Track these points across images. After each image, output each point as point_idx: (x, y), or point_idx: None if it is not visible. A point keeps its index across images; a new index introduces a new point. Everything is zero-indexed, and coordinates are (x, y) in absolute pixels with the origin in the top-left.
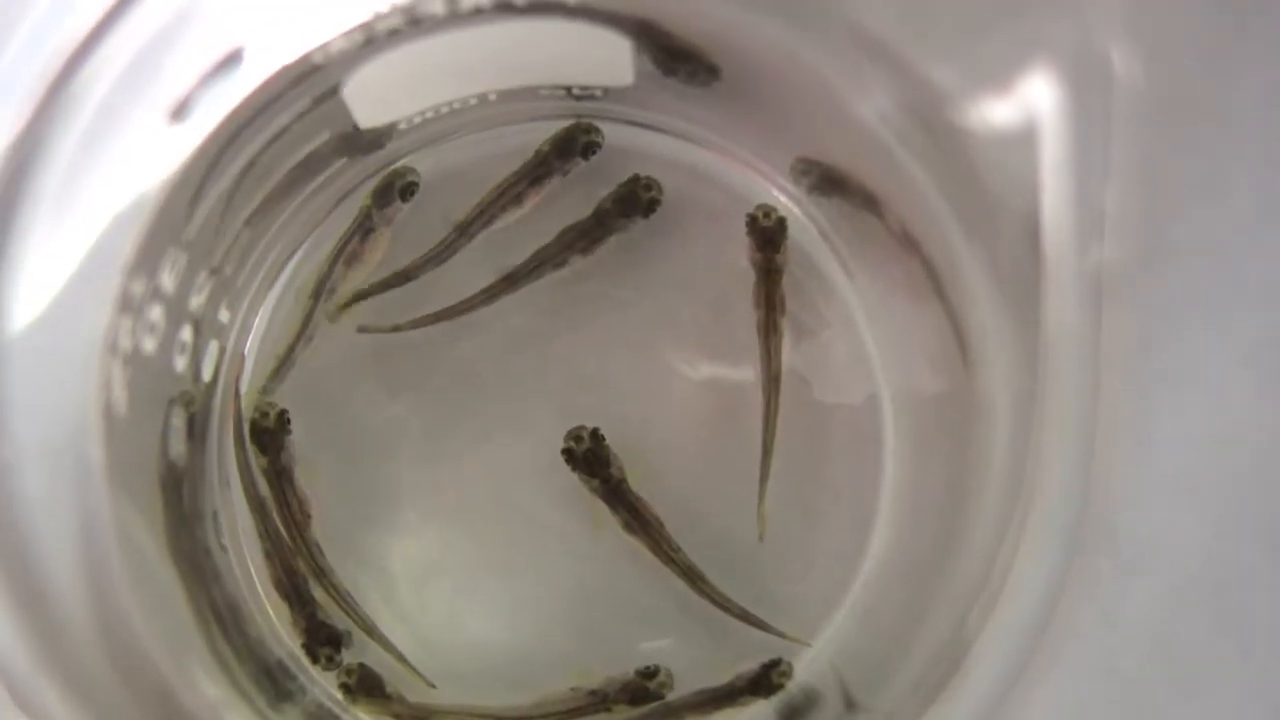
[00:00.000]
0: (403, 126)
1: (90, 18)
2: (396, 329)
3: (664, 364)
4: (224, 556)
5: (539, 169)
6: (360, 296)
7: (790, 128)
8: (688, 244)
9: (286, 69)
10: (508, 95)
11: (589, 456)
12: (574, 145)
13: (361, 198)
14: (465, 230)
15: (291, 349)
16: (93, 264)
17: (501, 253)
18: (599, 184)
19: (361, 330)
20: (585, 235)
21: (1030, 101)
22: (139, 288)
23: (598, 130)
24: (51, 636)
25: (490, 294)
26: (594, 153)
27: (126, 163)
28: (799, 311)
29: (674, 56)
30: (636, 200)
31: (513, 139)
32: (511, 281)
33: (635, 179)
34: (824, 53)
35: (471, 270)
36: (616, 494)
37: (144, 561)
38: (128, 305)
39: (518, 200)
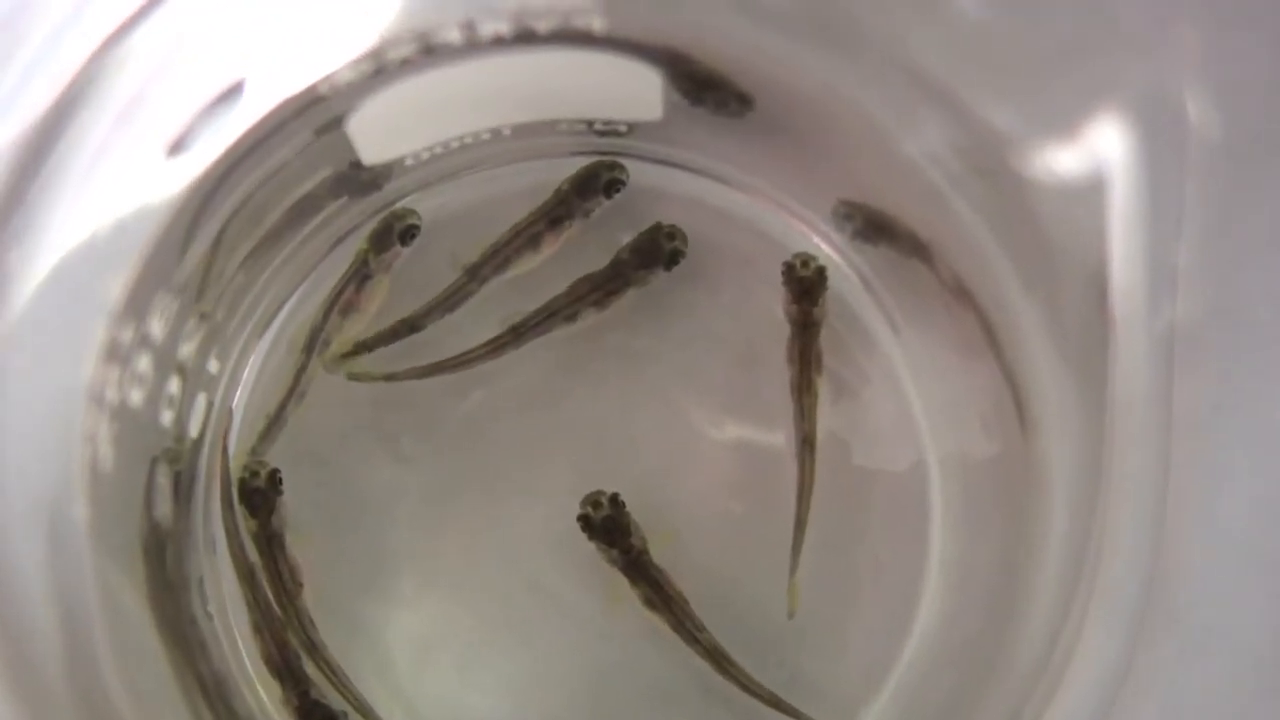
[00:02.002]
0: (409, 163)
1: (86, 48)
2: (391, 378)
3: (689, 425)
4: (210, 626)
5: (558, 209)
6: (363, 347)
7: (832, 167)
8: (717, 293)
9: (289, 101)
10: (524, 130)
11: (608, 524)
12: (596, 183)
13: (359, 242)
14: (476, 275)
15: (282, 407)
16: (79, 309)
17: (510, 299)
18: (621, 227)
19: (352, 378)
20: (600, 287)
21: (1098, 148)
22: (128, 335)
23: (622, 168)
24: (27, 704)
25: (494, 346)
26: (618, 191)
27: (119, 199)
28: (838, 368)
29: (701, 84)
30: (658, 251)
31: (528, 177)
32: (517, 334)
33: (657, 227)
34: (871, 87)
35: (477, 317)
36: (637, 566)
37: (128, 629)
38: (115, 354)
39: (534, 243)
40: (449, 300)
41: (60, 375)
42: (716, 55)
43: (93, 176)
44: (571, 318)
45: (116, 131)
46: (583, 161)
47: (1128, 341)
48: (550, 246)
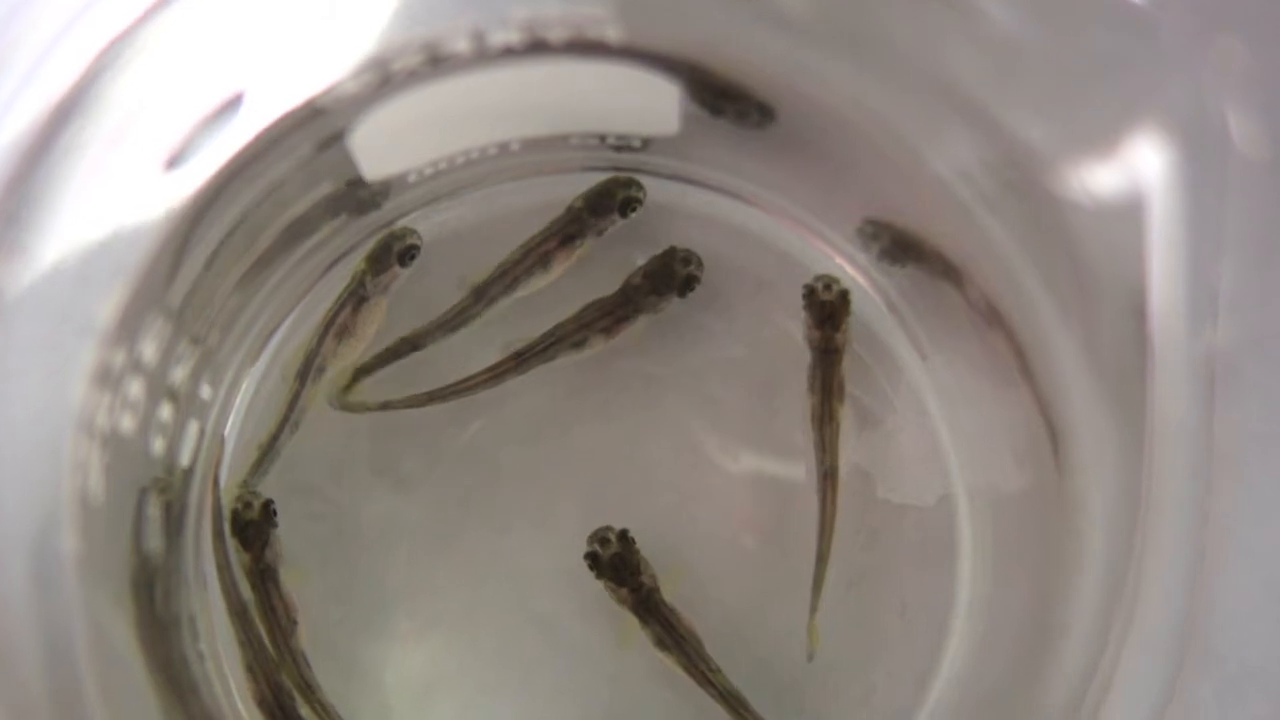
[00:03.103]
0: (412, 179)
1: (81, 58)
2: (386, 406)
3: (704, 456)
4: (201, 666)
5: (570, 226)
6: (362, 372)
7: (857, 184)
8: (734, 317)
9: (289, 114)
10: (534, 144)
11: (616, 562)
12: (611, 201)
13: (355, 262)
14: (483, 294)
15: (275, 437)
16: (68, 330)
17: (515, 321)
18: (634, 245)
19: (345, 409)
20: (610, 313)
21: (1136, 165)
22: (119, 358)
23: (638, 185)
24: None
25: (495, 373)
26: (634, 210)
27: (112, 216)
28: (862, 396)
29: (720, 94)
30: (671, 276)
31: (537, 193)
32: (520, 361)
33: (672, 252)
34: (900, 100)
35: (480, 340)
36: (648, 605)
37: (117, 668)
38: (106, 378)
39: (544, 262)
40: (453, 320)
41: (48, 400)
42: (736, 66)
43: (86, 192)
44: (579, 345)
45: (111, 145)
46: (596, 178)
47: (1166, 368)
48: (561, 266)
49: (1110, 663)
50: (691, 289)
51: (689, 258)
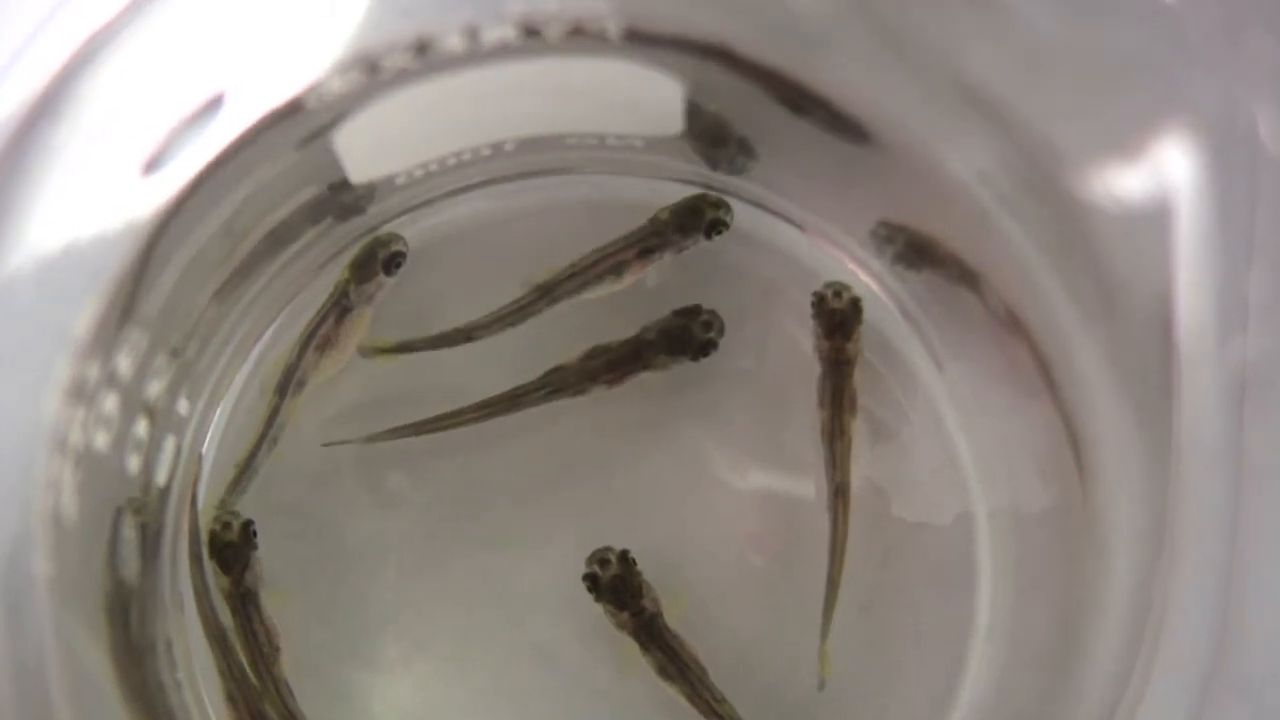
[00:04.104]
0: (400, 181)
1: (58, 57)
2: (372, 439)
3: (709, 472)
4: (179, 695)
5: (652, 239)
6: (406, 347)
7: (870, 187)
8: (740, 325)
9: (272, 114)
10: (529, 144)
11: (617, 584)
12: (699, 221)
13: (339, 271)
14: (548, 293)
15: (253, 455)
16: (41, 343)
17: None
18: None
19: (328, 444)
20: (615, 367)
21: (1163, 169)
22: (93, 372)
23: (728, 208)
24: None
25: (485, 410)
26: (719, 233)
27: (87, 222)
28: (876, 408)
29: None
30: (689, 340)
31: (532, 196)
32: (513, 402)
33: (694, 312)
34: (916, 99)
35: (485, 361)
36: (649, 631)
37: (90, 696)
38: (80, 393)
39: (617, 270)
40: (512, 316)
41: (19, 415)
42: (744, 64)
43: (59, 197)
44: (580, 392)
45: (87, 147)
46: (594, 180)
47: (1194, 381)
48: (634, 276)
49: (1136, 692)
50: (707, 354)
51: (711, 322)
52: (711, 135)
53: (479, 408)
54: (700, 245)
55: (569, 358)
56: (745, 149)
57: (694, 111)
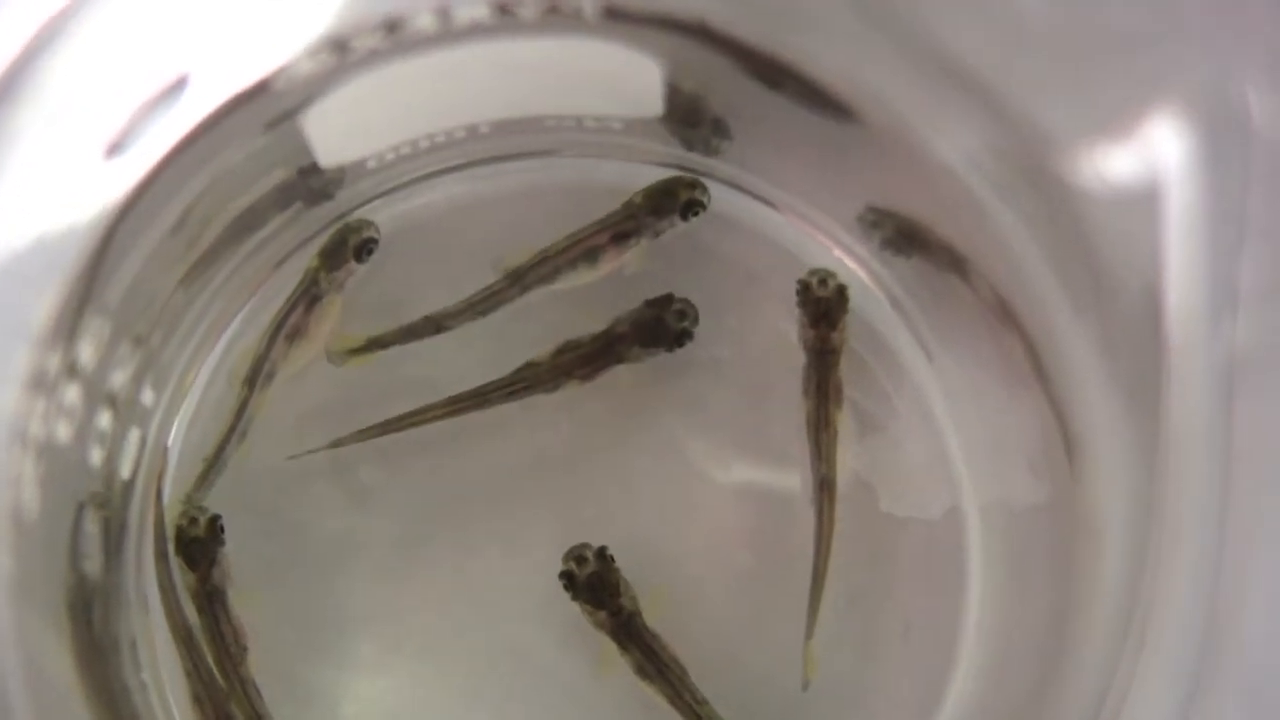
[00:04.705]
0: (371, 164)
1: (16, 38)
2: (337, 444)
3: (690, 465)
4: (144, 695)
5: (626, 223)
6: (376, 344)
7: (857, 169)
8: (722, 314)
9: (238, 97)
10: (505, 126)
11: (594, 582)
12: (673, 202)
13: (309, 258)
14: (519, 280)
15: (221, 449)
16: (0, 333)
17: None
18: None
19: (292, 457)
20: (588, 362)
21: (1153, 151)
22: (54, 362)
23: (704, 188)
24: None
25: (455, 407)
26: (696, 214)
27: (47, 208)
28: (863, 400)
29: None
30: (663, 331)
31: (508, 179)
32: (483, 399)
33: (666, 302)
34: (901, 79)
35: (458, 351)
36: (628, 630)
37: (51, 697)
38: (40, 383)
39: (591, 257)
40: (483, 304)
41: None
42: (723, 41)
43: (18, 182)
44: (552, 390)
45: (46, 132)
46: (570, 163)
47: (1184, 369)
48: (610, 264)
49: (1125, 688)
50: (682, 345)
51: (685, 311)
52: (685, 115)
53: (448, 404)
54: (680, 229)
55: (541, 353)
56: (720, 129)
57: (670, 91)
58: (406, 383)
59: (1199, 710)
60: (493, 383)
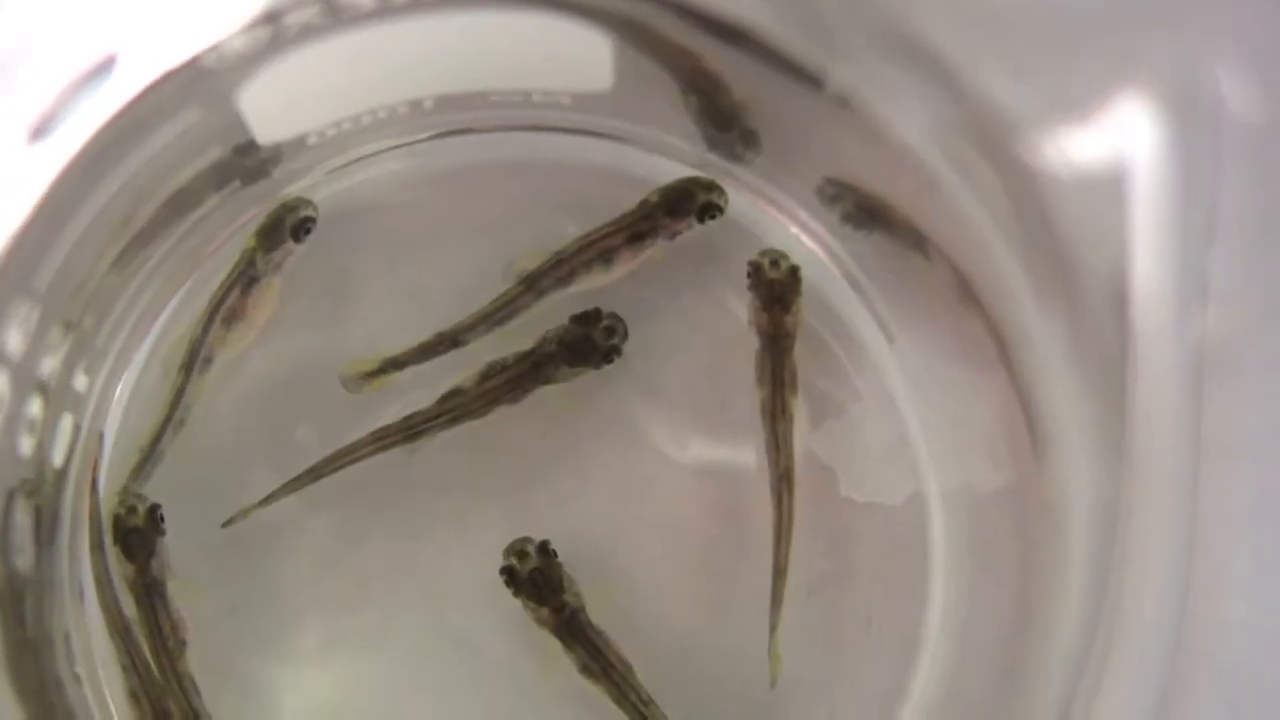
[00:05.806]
0: (311, 141)
1: None
2: (267, 501)
3: (645, 448)
4: (78, 690)
5: (641, 224)
6: (392, 365)
7: (815, 145)
8: (676, 293)
9: (170, 75)
10: (448, 102)
11: (536, 578)
12: (690, 204)
13: (245, 239)
14: (534, 286)
15: (158, 437)
16: None
17: None
18: (562, 212)
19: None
20: (515, 384)
21: (1120, 136)
22: None
23: (721, 190)
24: None
25: (381, 443)
26: (713, 217)
27: None
28: (820, 381)
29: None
30: (591, 349)
31: (452, 155)
32: (410, 431)
33: (593, 318)
34: (859, 57)
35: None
36: (570, 627)
37: None
38: None
39: (606, 259)
40: (499, 313)
41: None
42: (676, 8)
43: None
44: (483, 414)
45: None
46: (521, 138)
47: (1150, 356)
48: (625, 265)
49: (1093, 681)
50: (611, 362)
51: (614, 328)
52: (717, 117)
53: (375, 439)
54: (629, 204)
55: (466, 377)
56: (748, 139)
57: (703, 91)
58: (350, 357)
59: (1173, 697)
60: (418, 414)
